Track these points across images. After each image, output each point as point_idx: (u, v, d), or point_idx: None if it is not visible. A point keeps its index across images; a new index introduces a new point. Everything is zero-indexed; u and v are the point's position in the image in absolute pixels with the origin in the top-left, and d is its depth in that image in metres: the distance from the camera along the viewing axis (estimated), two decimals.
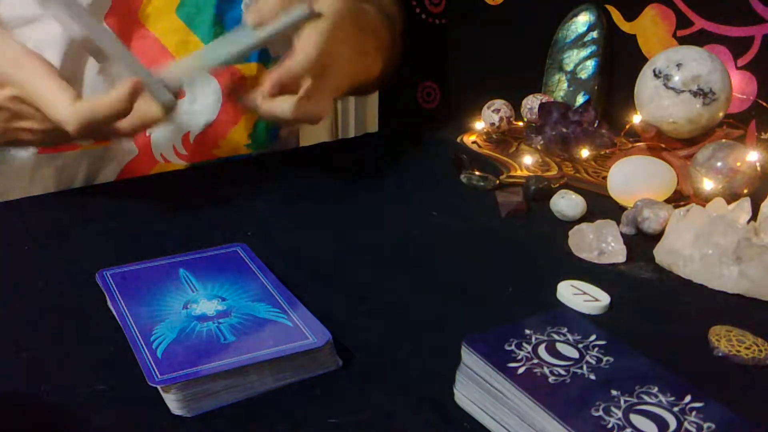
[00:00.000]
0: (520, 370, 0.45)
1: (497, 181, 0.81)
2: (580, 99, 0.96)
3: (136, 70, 0.65)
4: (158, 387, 0.46)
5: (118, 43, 0.68)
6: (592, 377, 0.45)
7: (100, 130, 0.66)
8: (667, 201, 0.73)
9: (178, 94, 0.68)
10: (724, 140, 0.77)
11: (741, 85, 0.88)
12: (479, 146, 0.91)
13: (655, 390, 0.44)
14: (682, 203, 0.73)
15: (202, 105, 0.83)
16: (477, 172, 0.82)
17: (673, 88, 0.80)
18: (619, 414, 0.42)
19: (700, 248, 0.63)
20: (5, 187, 0.82)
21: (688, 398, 0.44)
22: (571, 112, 0.87)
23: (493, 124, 0.92)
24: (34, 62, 0.65)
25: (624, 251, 0.67)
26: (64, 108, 0.63)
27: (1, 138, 0.70)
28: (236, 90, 0.79)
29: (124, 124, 0.66)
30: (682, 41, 0.90)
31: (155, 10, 0.80)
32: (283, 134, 0.92)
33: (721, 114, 0.82)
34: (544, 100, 0.92)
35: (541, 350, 0.47)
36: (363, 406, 0.48)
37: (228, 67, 0.82)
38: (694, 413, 0.43)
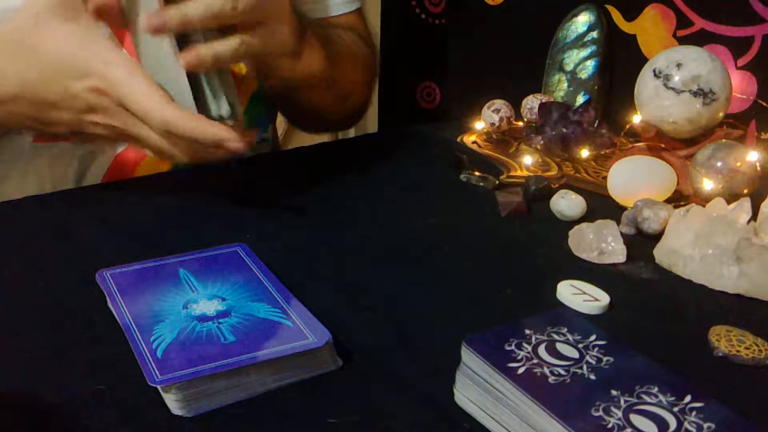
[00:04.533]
0: (520, 370, 0.45)
1: (497, 181, 0.81)
2: (580, 99, 0.96)
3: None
4: (158, 387, 0.46)
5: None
6: (592, 377, 0.45)
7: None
8: (667, 201, 0.73)
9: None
10: (724, 140, 0.77)
11: (741, 85, 0.88)
12: (479, 146, 0.91)
13: (655, 390, 0.44)
14: (682, 203, 0.73)
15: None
16: (477, 172, 0.82)
17: (673, 88, 0.80)
18: (619, 414, 0.42)
19: (700, 248, 0.63)
20: (1, 176, 0.83)
21: (688, 398, 0.44)
22: (571, 112, 0.87)
23: (493, 124, 0.92)
24: (122, 58, 0.66)
25: (624, 251, 0.67)
26: (156, 106, 0.64)
27: (70, 127, 0.70)
28: None
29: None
30: (682, 41, 0.90)
31: None
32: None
33: (721, 114, 0.82)
34: (544, 100, 0.92)
35: (541, 350, 0.47)
36: (363, 406, 0.48)
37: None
38: (694, 413, 0.43)
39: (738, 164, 0.73)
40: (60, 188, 0.81)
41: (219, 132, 0.65)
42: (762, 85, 0.87)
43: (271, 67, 0.79)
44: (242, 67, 0.86)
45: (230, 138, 0.65)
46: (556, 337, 0.48)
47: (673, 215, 0.67)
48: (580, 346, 0.48)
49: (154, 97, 0.64)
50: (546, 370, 0.45)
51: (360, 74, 0.91)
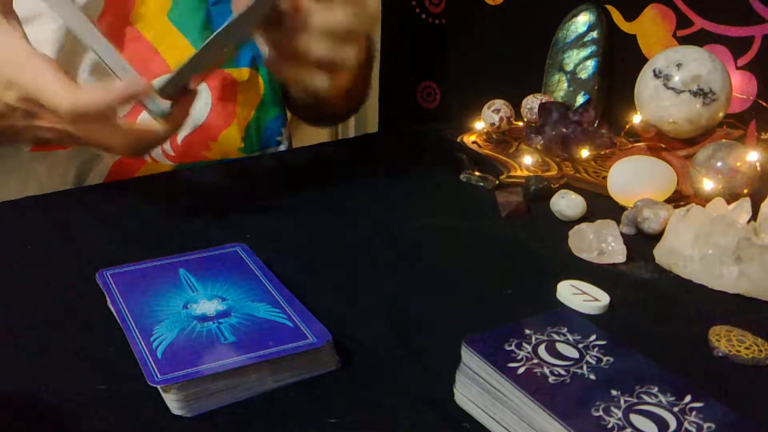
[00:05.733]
0: (520, 370, 0.45)
1: (497, 181, 0.81)
2: (580, 99, 0.96)
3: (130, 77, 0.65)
4: (158, 387, 0.46)
5: (112, 49, 0.66)
6: (592, 377, 0.45)
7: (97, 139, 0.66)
8: (667, 201, 0.73)
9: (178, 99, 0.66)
10: (724, 140, 0.77)
11: (741, 85, 0.88)
12: (479, 146, 0.91)
13: (655, 390, 0.44)
14: (682, 203, 0.73)
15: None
16: (477, 172, 0.82)
17: (673, 88, 0.80)
18: (619, 414, 0.42)
19: (700, 248, 0.63)
20: (0, 183, 0.83)
21: (688, 398, 0.44)
22: (571, 112, 0.87)
23: (493, 124, 0.92)
24: (35, 60, 0.64)
25: (624, 251, 0.67)
26: (63, 98, 0.62)
27: (23, 136, 0.68)
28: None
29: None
30: (682, 41, 0.91)
31: (147, 13, 0.80)
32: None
33: (721, 114, 0.82)
34: (544, 100, 0.92)
35: (541, 350, 0.47)
36: (363, 406, 0.48)
37: (218, 70, 0.82)
38: (694, 413, 0.43)
39: (738, 164, 0.73)
40: None
41: (126, 86, 0.62)
42: (762, 85, 0.87)
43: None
44: (243, 73, 0.86)
45: (137, 89, 0.62)
46: (556, 337, 0.48)
47: (673, 215, 0.67)
48: (580, 346, 0.48)
49: (62, 88, 0.62)
50: (546, 370, 0.45)
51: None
